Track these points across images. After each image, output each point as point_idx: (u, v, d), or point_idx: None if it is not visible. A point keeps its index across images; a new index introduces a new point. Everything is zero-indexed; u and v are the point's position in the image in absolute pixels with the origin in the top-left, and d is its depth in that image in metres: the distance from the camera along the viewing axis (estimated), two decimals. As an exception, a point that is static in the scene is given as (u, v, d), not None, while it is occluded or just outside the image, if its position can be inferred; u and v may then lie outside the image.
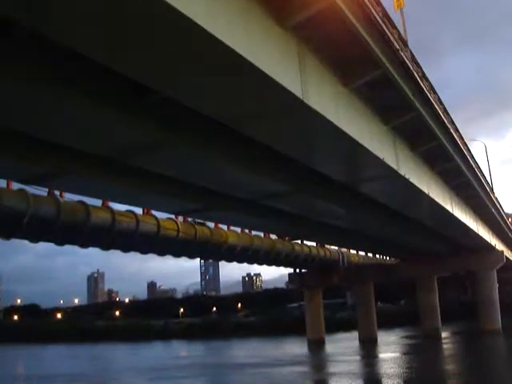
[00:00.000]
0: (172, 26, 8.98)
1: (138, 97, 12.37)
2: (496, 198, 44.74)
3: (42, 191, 20.21)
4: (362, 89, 16.32)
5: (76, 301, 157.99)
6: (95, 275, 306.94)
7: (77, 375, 38.98)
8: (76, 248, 25.64)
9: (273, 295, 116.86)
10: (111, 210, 23.37)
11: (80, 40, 9.19)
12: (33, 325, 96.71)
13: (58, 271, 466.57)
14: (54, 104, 12.14)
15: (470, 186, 31.70)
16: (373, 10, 13.34)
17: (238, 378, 33.60)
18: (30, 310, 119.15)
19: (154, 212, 26.27)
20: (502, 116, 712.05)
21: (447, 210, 29.44)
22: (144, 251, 28.39)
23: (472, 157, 30.30)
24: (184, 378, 34.80)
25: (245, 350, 56.76)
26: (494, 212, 43.09)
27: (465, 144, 28.18)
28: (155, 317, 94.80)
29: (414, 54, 18.75)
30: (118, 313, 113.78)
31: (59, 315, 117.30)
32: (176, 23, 8.80)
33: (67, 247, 24.97)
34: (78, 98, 11.80)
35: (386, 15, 15.23)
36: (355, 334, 55.98)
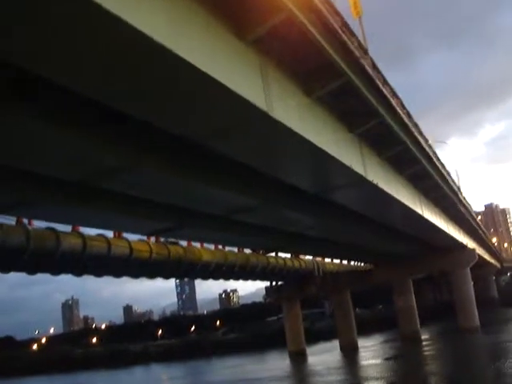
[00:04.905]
0: (136, 47, 8.99)
1: (101, 119, 12.23)
2: (464, 198, 45.39)
3: (11, 220, 19.90)
4: (326, 98, 16.44)
5: (52, 330, 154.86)
6: (70, 302, 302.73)
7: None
8: (49, 276, 25.24)
9: (251, 310, 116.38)
10: (82, 235, 23.07)
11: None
12: (9, 357, 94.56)
13: (32, 301, 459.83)
14: (19, 130, 11.95)
15: (438, 187, 32.10)
16: (331, 20, 13.47)
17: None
18: (5, 343, 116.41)
19: (125, 234, 26.03)
20: (474, 114, 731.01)
21: (417, 213, 29.73)
22: (117, 275, 28.08)
23: (438, 159, 30.69)
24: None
25: (227, 369, 56.16)
26: (463, 211, 43.67)
27: (430, 146, 28.54)
28: (133, 341, 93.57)
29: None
30: (95, 339, 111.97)
31: (35, 346, 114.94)
32: (139, 43, 8.81)
33: (40, 276, 24.57)
34: (44, 123, 11.63)
35: (344, 24, 15.38)
36: (336, 343, 55.94)
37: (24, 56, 9.03)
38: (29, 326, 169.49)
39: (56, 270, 24.50)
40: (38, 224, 21.41)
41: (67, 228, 22.91)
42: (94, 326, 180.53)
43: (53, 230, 21.75)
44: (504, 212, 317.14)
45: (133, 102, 11.38)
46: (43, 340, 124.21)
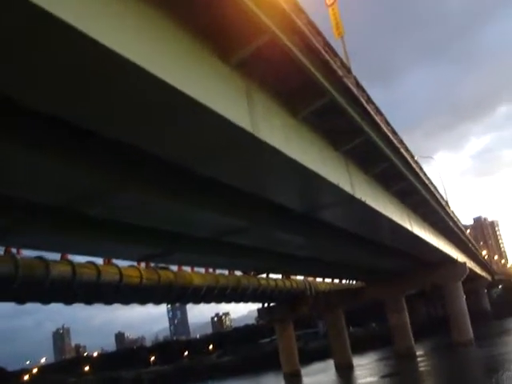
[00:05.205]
0: (118, 70, 9.01)
1: (85, 143, 12.20)
2: (453, 212, 45.55)
3: (-1, 250, 19.81)
4: (311, 117, 16.53)
5: (43, 360, 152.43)
6: (60, 331, 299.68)
7: None
8: (40, 305, 25.06)
9: (244, 333, 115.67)
10: (71, 263, 22.92)
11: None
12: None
13: (23, 331, 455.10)
14: (7, 158, 11.88)
15: (426, 202, 32.20)
16: (314, 41, 13.60)
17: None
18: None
19: (116, 261, 25.86)
20: (460, 128, 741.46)
21: (406, 228, 29.76)
22: (108, 302, 27.85)
23: (424, 174, 30.84)
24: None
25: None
26: (452, 225, 43.82)
27: (416, 162, 28.68)
28: (126, 368, 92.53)
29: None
30: (87, 368, 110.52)
31: (27, 377, 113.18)
32: (121, 68, 8.83)
33: (31, 305, 24.42)
34: (27, 148, 11.58)
35: (327, 44, 15.53)
36: (331, 363, 55.62)
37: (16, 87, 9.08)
38: (20, 357, 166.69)
39: (46, 299, 24.31)
40: (27, 253, 21.29)
41: (56, 256, 22.76)
42: (85, 354, 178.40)
43: (41, 258, 21.61)
44: (493, 224, 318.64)
45: (117, 126, 11.37)
46: (35, 370, 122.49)
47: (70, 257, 23.31)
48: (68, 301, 25.38)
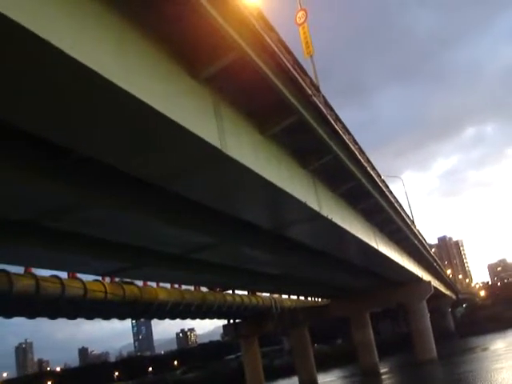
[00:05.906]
0: (87, 85, 8.95)
1: (54, 158, 12.07)
2: (418, 231, 46.08)
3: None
4: (280, 135, 16.58)
5: (5, 374, 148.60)
6: (23, 346, 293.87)
7: None
8: (2, 319, 24.61)
9: (209, 349, 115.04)
10: (35, 277, 22.53)
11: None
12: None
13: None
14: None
15: (392, 220, 32.51)
16: (283, 59, 13.69)
17: None
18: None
19: (80, 275, 25.52)
20: (429, 148, 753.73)
21: (372, 247, 29.96)
22: (71, 316, 27.44)
23: (390, 192, 31.16)
24: None
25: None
26: (417, 244, 44.29)
27: (383, 181, 28.99)
28: (90, 383, 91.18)
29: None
30: (50, 383, 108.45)
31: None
32: (88, 80, 8.78)
33: (-9, 319, 23.91)
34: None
35: (296, 63, 15.66)
36: (295, 380, 55.55)
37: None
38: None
39: (9, 313, 23.88)
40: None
41: (19, 270, 22.36)
42: (48, 369, 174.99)
43: (5, 271, 21.21)
44: (458, 244, 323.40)
45: (84, 141, 11.27)
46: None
47: (34, 270, 22.94)
48: (31, 315, 24.97)
